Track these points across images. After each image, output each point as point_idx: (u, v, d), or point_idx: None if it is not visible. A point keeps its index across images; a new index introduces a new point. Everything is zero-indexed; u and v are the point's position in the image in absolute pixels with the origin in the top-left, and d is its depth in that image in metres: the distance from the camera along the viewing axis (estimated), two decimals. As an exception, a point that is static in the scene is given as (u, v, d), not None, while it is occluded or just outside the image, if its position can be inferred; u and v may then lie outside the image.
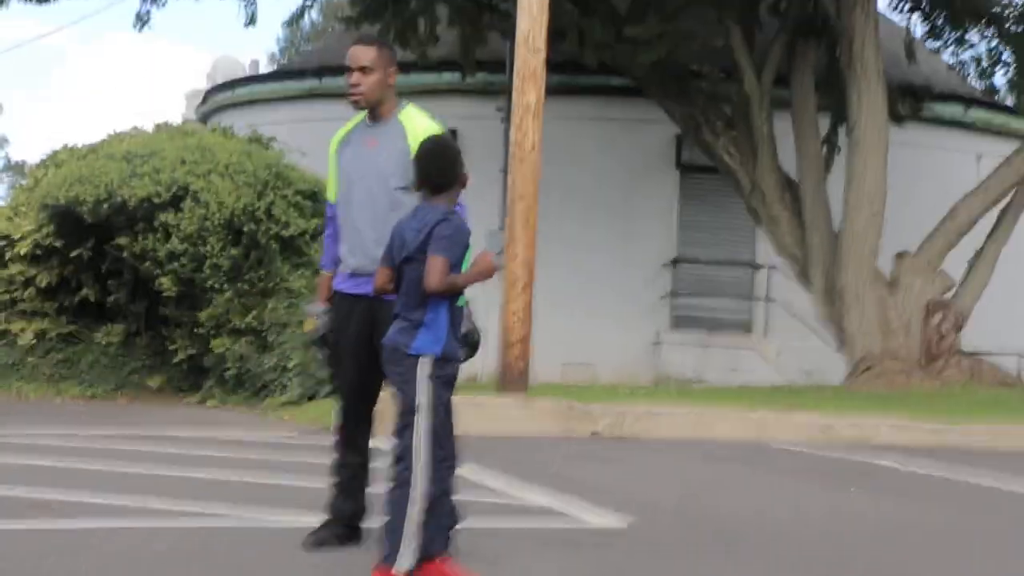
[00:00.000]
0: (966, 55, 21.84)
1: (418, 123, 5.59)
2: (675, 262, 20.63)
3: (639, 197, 20.73)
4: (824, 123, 18.30)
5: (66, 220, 15.31)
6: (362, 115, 5.75)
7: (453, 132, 15.75)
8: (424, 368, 4.78)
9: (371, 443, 5.75)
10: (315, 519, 5.77)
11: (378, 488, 6.13)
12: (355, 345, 5.57)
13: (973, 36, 20.99)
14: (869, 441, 11.55)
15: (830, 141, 18.82)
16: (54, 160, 17.25)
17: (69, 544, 5.48)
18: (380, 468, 6.11)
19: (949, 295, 16.95)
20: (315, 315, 5.77)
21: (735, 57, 17.29)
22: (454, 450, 4.90)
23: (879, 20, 16.94)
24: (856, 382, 16.13)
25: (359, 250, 5.58)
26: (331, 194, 5.81)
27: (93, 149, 16.66)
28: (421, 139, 5.31)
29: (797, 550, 5.99)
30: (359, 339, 5.56)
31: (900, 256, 17.01)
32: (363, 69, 5.60)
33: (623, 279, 20.47)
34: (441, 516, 4.80)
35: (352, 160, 5.68)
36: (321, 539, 5.55)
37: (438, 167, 4.94)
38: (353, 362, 5.60)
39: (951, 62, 22.85)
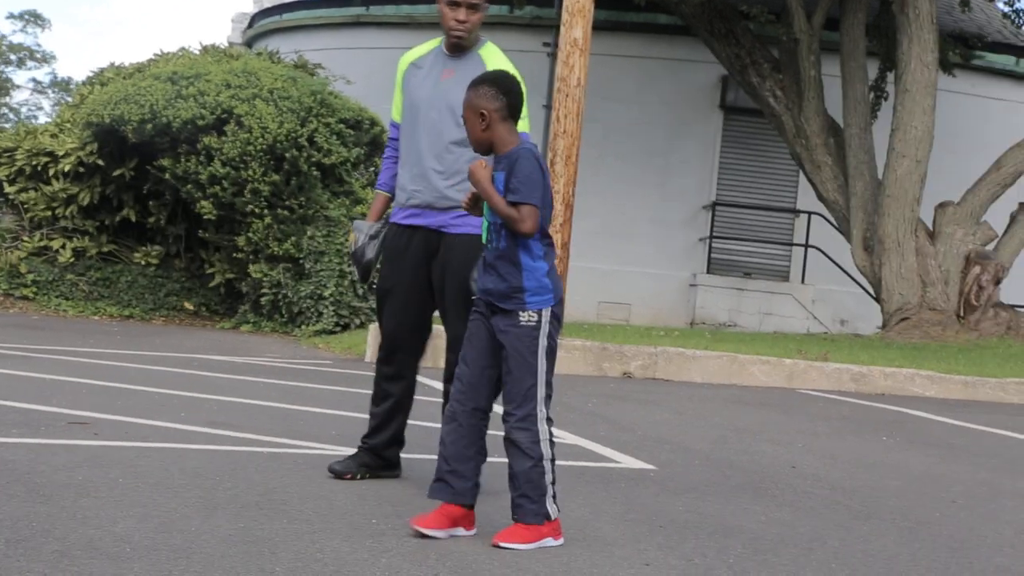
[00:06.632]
0: (1022, 3, 21.53)
1: (498, 61, 5.41)
2: (714, 205, 20.53)
3: (681, 138, 20.63)
4: (872, 69, 18.10)
5: (109, 139, 15.36)
6: (437, 41, 5.61)
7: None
8: None
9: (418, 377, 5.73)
10: (348, 448, 5.80)
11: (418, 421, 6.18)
12: (410, 279, 5.51)
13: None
14: (903, 392, 11.53)
15: (878, 87, 18.64)
16: (100, 78, 17.29)
17: (102, 458, 5.53)
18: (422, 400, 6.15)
19: (990, 247, 16.82)
20: (360, 231, 5.62)
21: (785, -2, 17.13)
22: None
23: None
24: (892, 332, 16.07)
25: (421, 180, 5.45)
26: (396, 113, 5.69)
27: (139, 69, 16.70)
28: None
29: (826, 496, 5.99)
30: (415, 272, 5.50)
31: (942, 206, 16.87)
32: (473, 6, 5.44)
33: (661, 220, 20.43)
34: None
35: (423, 85, 5.52)
36: (347, 467, 5.53)
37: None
38: (406, 295, 5.53)
39: (1006, 11, 22.55)
